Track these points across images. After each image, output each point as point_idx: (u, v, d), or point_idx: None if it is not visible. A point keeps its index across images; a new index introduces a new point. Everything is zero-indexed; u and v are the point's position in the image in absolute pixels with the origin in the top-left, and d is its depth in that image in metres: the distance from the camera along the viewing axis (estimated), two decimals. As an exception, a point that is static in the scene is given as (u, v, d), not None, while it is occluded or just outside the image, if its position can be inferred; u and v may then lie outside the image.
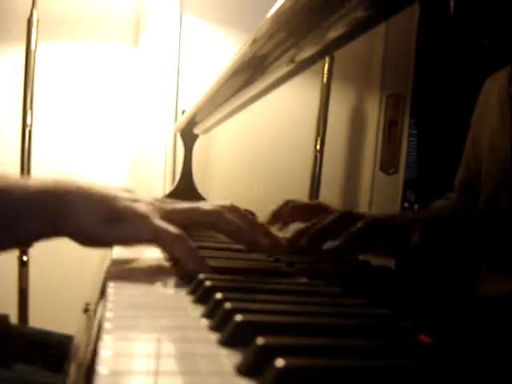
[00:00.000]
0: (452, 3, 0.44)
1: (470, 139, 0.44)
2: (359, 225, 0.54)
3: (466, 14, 0.43)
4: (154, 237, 0.53)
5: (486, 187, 0.42)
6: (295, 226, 0.69)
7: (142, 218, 0.52)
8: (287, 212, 0.72)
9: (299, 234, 0.64)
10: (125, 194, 0.55)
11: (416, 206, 0.51)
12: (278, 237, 0.63)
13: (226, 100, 1.18)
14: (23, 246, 0.65)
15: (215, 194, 1.39)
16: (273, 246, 0.58)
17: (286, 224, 0.71)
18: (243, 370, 0.26)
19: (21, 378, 0.68)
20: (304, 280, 0.52)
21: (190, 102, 1.57)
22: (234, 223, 0.56)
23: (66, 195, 0.52)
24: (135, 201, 0.54)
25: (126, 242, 0.55)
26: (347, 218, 0.58)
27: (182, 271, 0.51)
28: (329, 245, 0.60)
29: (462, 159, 0.45)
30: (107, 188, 0.55)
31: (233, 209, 0.57)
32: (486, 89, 0.43)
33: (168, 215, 0.54)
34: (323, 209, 0.68)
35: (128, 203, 0.53)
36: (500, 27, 0.41)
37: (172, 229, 0.52)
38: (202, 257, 0.52)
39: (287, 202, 0.74)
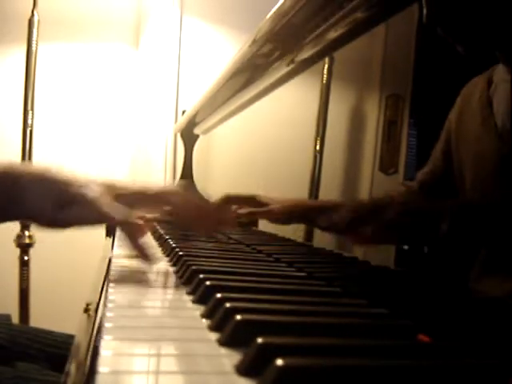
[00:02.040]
0: (424, 12, 0.44)
1: (443, 143, 0.45)
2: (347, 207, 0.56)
3: (439, 23, 0.44)
4: (101, 219, 0.55)
5: (473, 192, 0.42)
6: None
7: (90, 202, 0.54)
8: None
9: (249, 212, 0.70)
10: (79, 179, 0.56)
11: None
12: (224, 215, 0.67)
13: (226, 100, 1.18)
14: None
15: (215, 193, 1.39)
16: (215, 227, 0.63)
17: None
18: (243, 370, 0.26)
19: (21, 376, 0.69)
20: (303, 279, 0.52)
21: (190, 102, 1.57)
22: (182, 202, 0.60)
23: (18, 179, 0.54)
24: (87, 185, 0.56)
25: (78, 224, 0.57)
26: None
27: (183, 271, 0.51)
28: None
29: (428, 160, 0.45)
30: (60, 172, 0.56)
31: (177, 192, 0.62)
32: (464, 95, 0.43)
33: (118, 198, 0.57)
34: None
35: (78, 188, 0.55)
36: (473, 35, 0.41)
37: (118, 212, 0.54)
38: (144, 243, 0.55)
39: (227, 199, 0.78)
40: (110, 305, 0.39)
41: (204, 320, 0.36)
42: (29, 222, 0.58)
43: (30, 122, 1.78)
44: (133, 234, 0.54)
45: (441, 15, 0.43)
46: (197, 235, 0.77)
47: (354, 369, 0.24)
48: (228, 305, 0.34)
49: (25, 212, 0.54)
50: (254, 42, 0.84)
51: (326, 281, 0.49)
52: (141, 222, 0.56)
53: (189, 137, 1.66)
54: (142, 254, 0.53)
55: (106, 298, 0.41)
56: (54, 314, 1.84)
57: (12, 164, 0.55)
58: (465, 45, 0.42)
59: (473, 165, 0.42)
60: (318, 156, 0.72)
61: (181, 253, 0.59)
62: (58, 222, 0.55)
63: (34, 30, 1.77)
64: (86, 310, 0.59)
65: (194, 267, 0.49)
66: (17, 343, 0.79)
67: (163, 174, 2.09)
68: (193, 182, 1.59)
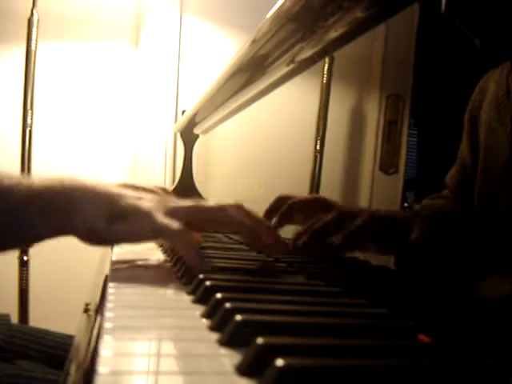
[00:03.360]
0: (443, 3, 0.44)
1: (465, 138, 0.44)
2: (358, 222, 0.54)
3: (458, 15, 0.43)
4: (156, 233, 0.53)
5: (483, 185, 0.42)
6: (294, 226, 0.69)
7: (145, 215, 0.52)
8: (283, 213, 0.71)
9: (299, 234, 0.64)
10: (129, 192, 0.55)
11: (416, 206, 0.51)
12: (280, 236, 0.63)
13: (226, 100, 1.18)
14: (29, 245, 0.65)
15: (215, 194, 1.39)
16: (275, 246, 0.58)
17: (281, 224, 0.70)
18: (243, 370, 0.26)
19: (22, 374, 0.69)
20: (303, 279, 0.52)
21: (190, 102, 1.57)
22: (237, 221, 0.56)
23: (71, 194, 0.52)
24: (139, 198, 0.54)
25: (130, 239, 0.55)
26: (346, 215, 0.58)
27: (183, 271, 0.51)
28: (328, 243, 0.60)
29: (457, 157, 0.45)
30: (111, 186, 0.55)
31: (237, 207, 0.57)
32: (480, 87, 0.43)
33: (171, 212, 0.54)
34: (322, 203, 0.66)
35: (131, 201, 0.53)
36: (491, 28, 0.41)
37: (174, 225, 0.52)
38: (202, 254, 0.53)
39: (281, 199, 0.73)
40: (109, 305, 0.39)
41: (204, 320, 0.36)
42: (80, 238, 0.55)
43: (29, 121, 1.78)
44: (189, 248, 0.51)
45: (460, 7, 0.43)
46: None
47: (354, 369, 0.24)
48: (228, 305, 0.34)
49: (77, 228, 0.53)
50: (254, 42, 0.84)
51: (325, 281, 0.49)
52: (196, 234, 0.54)
53: (189, 137, 1.66)
54: (201, 266, 0.50)
55: (105, 298, 0.41)
56: (53, 314, 1.84)
57: (63, 178, 0.54)
58: (482, 38, 0.42)
59: (486, 157, 0.42)
60: (319, 156, 0.72)
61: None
62: (111, 237, 0.54)
63: (34, 30, 1.77)
64: (86, 310, 0.59)
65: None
66: (16, 343, 0.79)
67: (163, 174, 2.09)
68: (193, 182, 1.59)
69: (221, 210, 0.56)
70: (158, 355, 0.30)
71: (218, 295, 0.37)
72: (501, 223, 0.38)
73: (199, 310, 0.38)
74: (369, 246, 0.56)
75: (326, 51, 0.71)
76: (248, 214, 0.57)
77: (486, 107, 0.42)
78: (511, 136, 0.39)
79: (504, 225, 0.38)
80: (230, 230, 0.59)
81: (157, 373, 0.27)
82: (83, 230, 0.53)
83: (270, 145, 0.99)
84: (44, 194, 0.52)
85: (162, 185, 2.07)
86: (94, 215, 0.52)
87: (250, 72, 0.97)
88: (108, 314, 0.36)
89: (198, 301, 0.41)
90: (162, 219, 0.52)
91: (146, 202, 0.54)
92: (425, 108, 0.51)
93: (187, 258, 0.52)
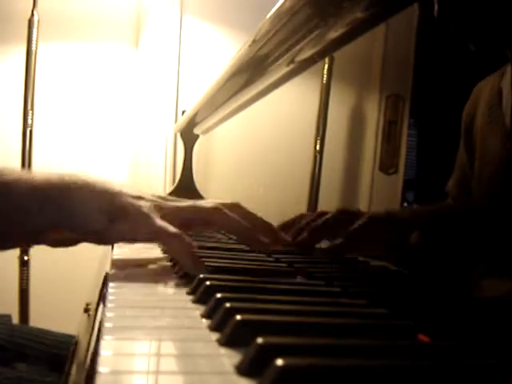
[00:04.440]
0: (436, 8, 0.44)
1: (462, 144, 0.44)
2: (357, 224, 0.54)
3: (451, 19, 0.44)
4: (153, 236, 0.53)
5: (478, 188, 0.42)
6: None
7: (143, 215, 0.52)
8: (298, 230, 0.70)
9: (298, 231, 0.64)
10: (128, 190, 0.55)
11: (415, 206, 0.51)
12: (281, 235, 0.63)
13: (226, 100, 1.18)
14: (28, 241, 0.65)
15: (215, 194, 1.39)
16: (273, 244, 0.58)
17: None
18: (243, 370, 0.26)
19: (22, 377, 0.69)
20: (304, 280, 0.52)
21: (190, 103, 1.57)
22: (233, 220, 0.56)
23: (71, 190, 0.52)
24: (138, 198, 0.54)
25: (127, 239, 0.55)
26: (345, 215, 0.58)
27: (183, 271, 0.51)
28: (328, 244, 0.60)
29: (455, 163, 0.45)
30: (111, 183, 0.55)
31: (233, 206, 0.57)
32: (474, 95, 0.43)
33: (168, 213, 0.54)
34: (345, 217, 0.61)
35: (130, 200, 0.53)
36: (484, 32, 0.41)
37: (171, 228, 0.52)
38: (198, 257, 0.52)
39: (301, 217, 0.72)
40: (109, 305, 0.39)
41: (204, 320, 0.36)
42: (78, 236, 0.55)
43: (29, 122, 1.78)
44: (184, 252, 0.51)
45: (453, 11, 0.43)
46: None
47: (354, 369, 0.24)
48: (228, 305, 0.34)
49: (76, 224, 0.52)
50: (254, 42, 0.84)
51: (325, 281, 0.49)
52: (190, 238, 0.54)
53: (189, 137, 1.66)
54: (196, 270, 0.49)
55: (105, 298, 0.41)
56: (53, 313, 1.84)
57: (63, 174, 0.54)
58: (476, 42, 0.42)
59: (480, 162, 0.42)
60: (318, 156, 0.72)
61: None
62: (109, 236, 0.54)
63: (34, 30, 1.77)
64: (86, 310, 0.59)
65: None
66: (17, 343, 0.79)
67: (163, 174, 2.09)
68: (193, 182, 1.59)
69: (217, 210, 0.56)
70: (158, 355, 0.30)
71: (218, 295, 0.37)
72: (497, 223, 0.38)
73: (199, 309, 0.38)
74: (369, 248, 0.56)
75: (326, 51, 0.71)
76: (244, 213, 0.57)
77: (480, 113, 0.43)
78: (503, 139, 0.39)
79: (500, 224, 0.38)
80: (226, 230, 0.59)
81: (157, 373, 0.27)
82: (81, 226, 0.53)
83: (270, 145, 0.99)
84: (44, 190, 0.52)
85: (161, 185, 2.07)
86: (93, 212, 0.52)
87: (250, 72, 0.97)
88: (108, 314, 0.36)
89: (197, 301, 0.41)
90: (159, 221, 0.52)
91: (145, 202, 0.54)
92: (424, 108, 0.51)
93: (182, 262, 0.52)
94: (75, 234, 0.54)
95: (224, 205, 0.57)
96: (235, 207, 0.58)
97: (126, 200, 0.53)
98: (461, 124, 0.45)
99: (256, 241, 0.57)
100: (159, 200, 0.57)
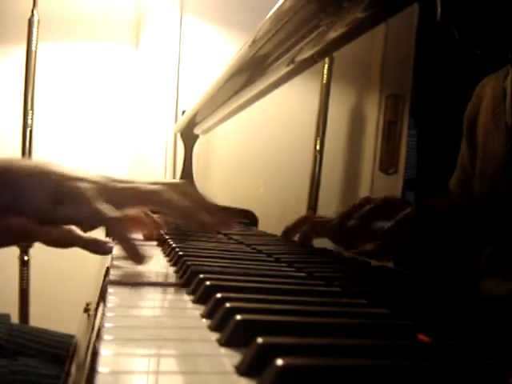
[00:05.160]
0: (439, 11, 0.44)
1: (464, 142, 0.44)
2: (405, 216, 0.48)
3: (453, 22, 0.43)
4: (93, 219, 0.54)
5: (481, 186, 0.42)
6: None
7: (83, 199, 0.53)
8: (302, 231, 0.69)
9: (343, 217, 0.59)
10: (76, 172, 0.55)
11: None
12: (227, 217, 0.63)
13: (226, 100, 1.18)
14: None
15: (215, 194, 1.39)
16: (219, 224, 0.58)
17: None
18: (243, 370, 0.26)
19: (25, 370, 0.69)
20: (304, 280, 0.52)
21: (190, 102, 1.57)
22: (173, 202, 0.56)
23: (17, 174, 0.53)
24: (82, 180, 0.54)
25: (72, 222, 0.55)
26: (392, 204, 0.53)
27: (183, 271, 0.51)
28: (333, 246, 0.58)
29: (457, 162, 0.45)
30: (57, 166, 0.55)
31: (176, 186, 0.58)
32: (477, 93, 0.43)
33: (110, 195, 0.55)
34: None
35: (74, 183, 0.53)
36: (486, 35, 0.41)
37: (111, 211, 0.52)
38: (136, 244, 0.53)
39: (304, 219, 0.71)
40: (109, 305, 0.39)
41: (204, 320, 0.36)
42: (29, 219, 0.56)
43: (29, 121, 1.78)
44: (124, 235, 0.52)
45: (455, 14, 0.43)
46: (197, 235, 0.77)
47: (354, 369, 0.25)
48: (228, 305, 0.34)
49: (24, 208, 0.53)
50: (254, 42, 0.84)
51: (325, 281, 0.49)
52: (131, 221, 0.55)
53: (189, 137, 1.66)
54: (133, 254, 0.51)
55: (105, 297, 0.41)
56: (53, 313, 1.84)
57: (12, 159, 0.54)
58: (478, 45, 0.42)
59: (483, 161, 0.42)
60: (318, 156, 0.72)
61: (181, 253, 0.59)
62: (51, 218, 0.54)
63: (34, 30, 1.77)
64: (86, 310, 0.59)
65: (193, 267, 0.49)
66: (16, 343, 0.79)
67: (163, 174, 2.09)
68: (193, 181, 1.59)
69: (156, 193, 0.56)
70: (158, 355, 0.30)
71: (218, 295, 0.37)
72: (497, 222, 0.38)
73: (199, 309, 0.38)
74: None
75: (326, 51, 0.71)
76: (187, 194, 0.57)
77: (483, 111, 0.42)
78: (506, 139, 0.39)
79: (502, 223, 0.38)
80: (166, 211, 0.59)
81: (157, 373, 0.27)
82: (29, 210, 0.53)
83: (270, 145, 0.99)
84: None
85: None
86: (38, 196, 0.52)
87: (250, 72, 0.97)
88: (108, 314, 0.36)
89: (197, 301, 0.41)
90: (100, 205, 0.52)
91: (87, 185, 0.54)
92: (424, 108, 0.51)
93: (122, 246, 0.52)
94: (26, 217, 0.54)
95: (167, 184, 0.57)
96: (179, 187, 0.58)
97: (69, 183, 0.53)
98: (461, 124, 0.45)
99: (197, 220, 0.57)
100: (103, 181, 0.56)
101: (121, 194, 0.56)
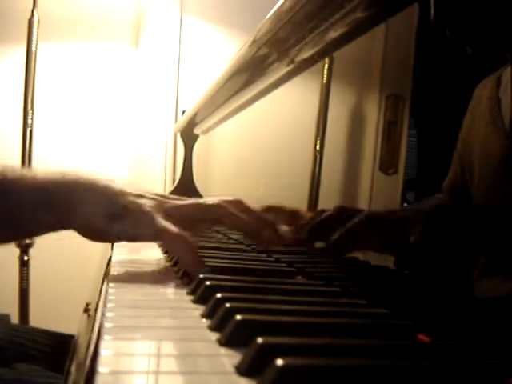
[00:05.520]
0: (433, 13, 0.44)
1: (460, 144, 0.44)
2: (355, 220, 0.53)
3: (447, 24, 0.43)
4: (154, 235, 0.53)
5: (479, 191, 0.42)
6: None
7: (145, 215, 0.52)
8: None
9: (299, 228, 0.63)
10: (129, 189, 0.54)
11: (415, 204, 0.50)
12: (285, 231, 0.62)
13: (226, 100, 1.18)
14: (30, 237, 0.65)
15: (215, 194, 1.39)
16: (277, 240, 0.58)
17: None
18: (243, 370, 0.26)
19: (21, 378, 0.68)
20: (304, 280, 0.52)
21: (190, 102, 1.57)
22: (237, 217, 0.56)
23: (73, 188, 0.52)
24: (139, 196, 0.54)
25: (128, 238, 0.55)
26: (344, 213, 0.57)
27: (183, 271, 0.51)
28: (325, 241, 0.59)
29: (451, 163, 0.45)
30: (112, 182, 0.55)
31: (236, 202, 0.57)
32: (475, 96, 0.43)
33: (170, 212, 0.54)
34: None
35: (132, 199, 0.53)
36: (481, 36, 0.41)
37: (173, 228, 0.52)
38: (199, 258, 0.52)
39: (318, 214, 0.71)
40: (109, 305, 0.39)
41: (204, 320, 0.36)
42: (80, 233, 0.55)
43: (29, 121, 1.78)
44: (187, 253, 0.51)
45: (449, 15, 0.43)
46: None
47: (354, 369, 0.25)
48: (228, 305, 0.34)
49: (77, 223, 0.52)
50: (254, 42, 0.84)
51: (325, 281, 0.49)
52: (193, 238, 0.53)
53: (189, 137, 1.66)
54: (197, 270, 0.48)
55: (105, 297, 0.41)
56: (53, 313, 1.84)
57: (65, 173, 0.54)
58: (473, 45, 0.42)
59: (480, 166, 0.42)
60: (318, 156, 0.72)
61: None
62: (110, 235, 0.53)
63: (34, 30, 1.77)
64: (86, 310, 0.59)
65: (193, 267, 0.49)
66: (16, 343, 0.79)
67: (163, 174, 2.09)
68: (193, 182, 1.59)
69: (220, 207, 0.56)
70: (158, 355, 0.30)
71: (218, 295, 0.37)
72: (498, 222, 0.38)
73: (199, 309, 0.38)
74: (366, 246, 0.56)
75: (326, 51, 0.71)
76: (248, 210, 0.57)
77: (480, 116, 0.43)
78: (504, 140, 0.39)
79: (501, 224, 0.38)
80: (229, 227, 0.59)
81: (157, 373, 0.27)
82: (82, 225, 0.53)
83: (270, 145, 0.99)
84: (46, 188, 0.52)
85: (161, 185, 2.07)
86: (94, 211, 0.52)
87: (250, 72, 0.97)
88: (108, 314, 0.36)
89: (197, 301, 0.41)
90: (162, 221, 0.52)
91: (147, 201, 0.54)
92: (424, 108, 0.51)
93: (184, 263, 0.51)
94: (77, 232, 0.54)
95: (227, 201, 0.57)
96: (238, 203, 0.57)
97: (128, 199, 0.53)
98: (460, 123, 0.45)
99: (262, 237, 0.57)
100: (161, 199, 0.56)
101: (183, 211, 0.55)
